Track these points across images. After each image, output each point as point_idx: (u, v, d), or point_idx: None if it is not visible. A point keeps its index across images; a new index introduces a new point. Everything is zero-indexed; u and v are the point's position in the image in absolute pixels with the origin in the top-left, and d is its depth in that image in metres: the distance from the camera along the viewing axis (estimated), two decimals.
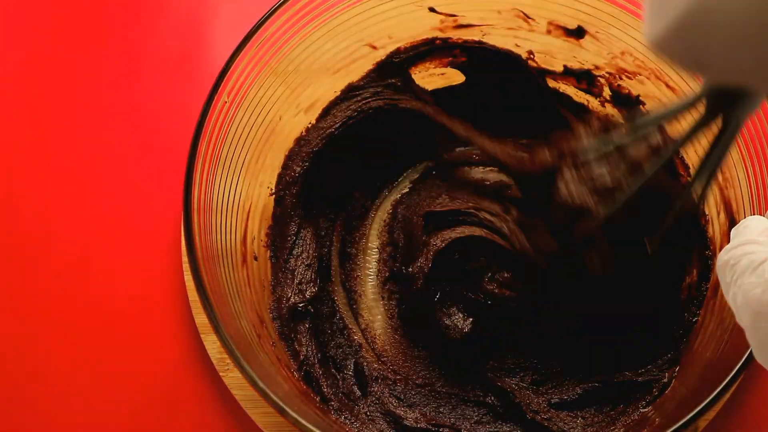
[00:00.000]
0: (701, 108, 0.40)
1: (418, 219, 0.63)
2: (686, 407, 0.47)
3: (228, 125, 0.55)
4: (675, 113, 0.42)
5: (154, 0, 0.73)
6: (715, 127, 0.40)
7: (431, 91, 0.67)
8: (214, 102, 0.53)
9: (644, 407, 0.56)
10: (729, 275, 0.38)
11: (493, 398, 0.60)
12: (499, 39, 0.64)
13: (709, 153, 0.41)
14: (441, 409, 0.60)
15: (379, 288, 0.66)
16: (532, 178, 0.54)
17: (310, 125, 0.63)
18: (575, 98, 0.66)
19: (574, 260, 0.52)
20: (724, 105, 0.38)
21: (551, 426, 0.57)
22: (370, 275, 0.66)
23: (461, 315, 0.61)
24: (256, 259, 0.59)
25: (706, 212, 0.58)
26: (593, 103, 0.65)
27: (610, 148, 0.50)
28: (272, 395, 0.46)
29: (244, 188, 0.59)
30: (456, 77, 0.68)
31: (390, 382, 0.61)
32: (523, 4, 0.60)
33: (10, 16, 0.73)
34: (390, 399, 0.59)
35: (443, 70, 0.67)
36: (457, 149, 0.70)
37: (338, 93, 0.64)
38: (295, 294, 0.60)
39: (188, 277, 0.61)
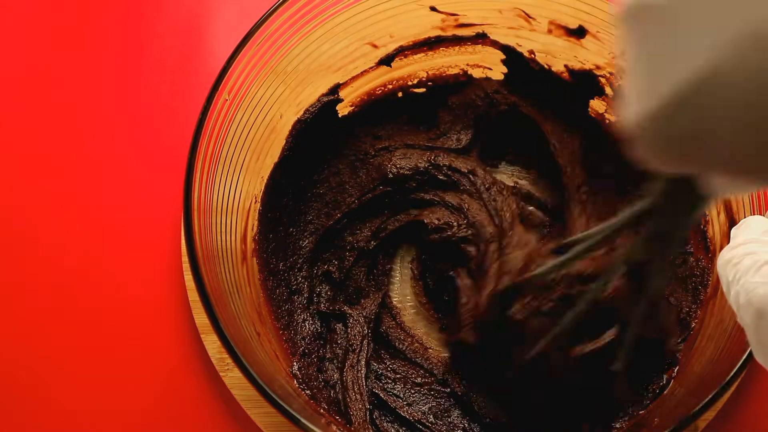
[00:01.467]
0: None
1: None
2: (685, 407, 0.47)
3: (228, 124, 0.55)
4: (612, 232, 0.42)
5: (154, 0, 0.73)
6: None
7: (432, 86, 0.67)
8: (214, 101, 0.53)
9: (643, 407, 0.56)
10: (731, 274, 0.38)
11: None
12: (501, 38, 0.63)
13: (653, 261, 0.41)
14: (440, 407, 0.60)
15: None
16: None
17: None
18: None
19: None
20: (670, 209, 0.37)
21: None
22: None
23: None
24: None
25: (706, 213, 0.58)
26: (594, 102, 0.65)
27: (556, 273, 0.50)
28: (272, 395, 0.46)
29: (245, 187, 0.59)
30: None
31: (390, 381, 0.61)
32: (524, 4, 0.60)
33: (10, 16, 0.73)
34: (389, 398, 0.59)
35: None
36: None
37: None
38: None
39: (188, 277, 0.61)
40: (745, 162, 0.26)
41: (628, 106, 0.28)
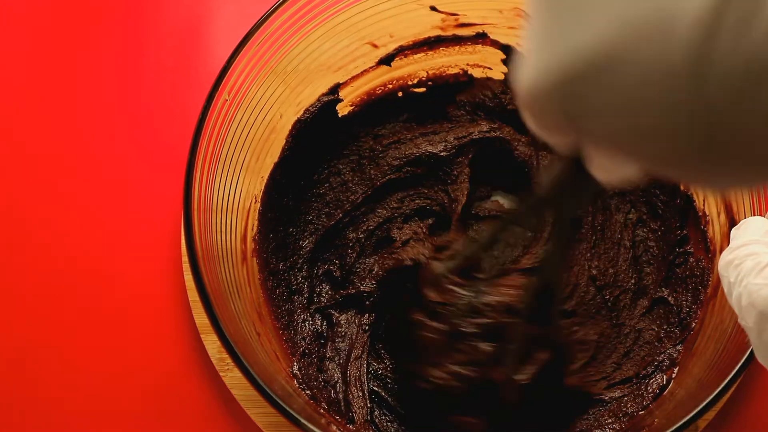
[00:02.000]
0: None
1: None
2: (685, 408, 0.47)
3: (228, 124, 0.55)
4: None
5: (154, 0, 0.73)
6: None
7: (432, 86, 0.67)
8: (214, 101, 0.53)
9: (643, 408, 0.56)
10: (733, 275, 0.38)
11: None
12: (501, 38, 0.63)
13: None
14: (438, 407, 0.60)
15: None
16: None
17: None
18: None
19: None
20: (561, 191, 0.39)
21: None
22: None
23: None
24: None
25: (707, 213, 0.58)
26: None
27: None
28: (272, 395, 0.46)
29: (245, 187, 0.59)
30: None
31: (390, 381, 0.61)
32: (524, 4, 0.60)
33: (10, 17, 0.73)
34: (390, 397, 0.60)
35: None
36: None
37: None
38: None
39: (188, 277, 0.61)
40: (616, 139, 0.26)
41: (523, 70, 0.28)
